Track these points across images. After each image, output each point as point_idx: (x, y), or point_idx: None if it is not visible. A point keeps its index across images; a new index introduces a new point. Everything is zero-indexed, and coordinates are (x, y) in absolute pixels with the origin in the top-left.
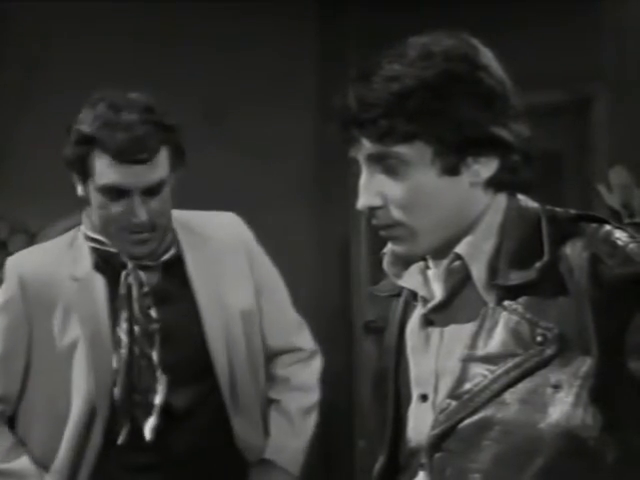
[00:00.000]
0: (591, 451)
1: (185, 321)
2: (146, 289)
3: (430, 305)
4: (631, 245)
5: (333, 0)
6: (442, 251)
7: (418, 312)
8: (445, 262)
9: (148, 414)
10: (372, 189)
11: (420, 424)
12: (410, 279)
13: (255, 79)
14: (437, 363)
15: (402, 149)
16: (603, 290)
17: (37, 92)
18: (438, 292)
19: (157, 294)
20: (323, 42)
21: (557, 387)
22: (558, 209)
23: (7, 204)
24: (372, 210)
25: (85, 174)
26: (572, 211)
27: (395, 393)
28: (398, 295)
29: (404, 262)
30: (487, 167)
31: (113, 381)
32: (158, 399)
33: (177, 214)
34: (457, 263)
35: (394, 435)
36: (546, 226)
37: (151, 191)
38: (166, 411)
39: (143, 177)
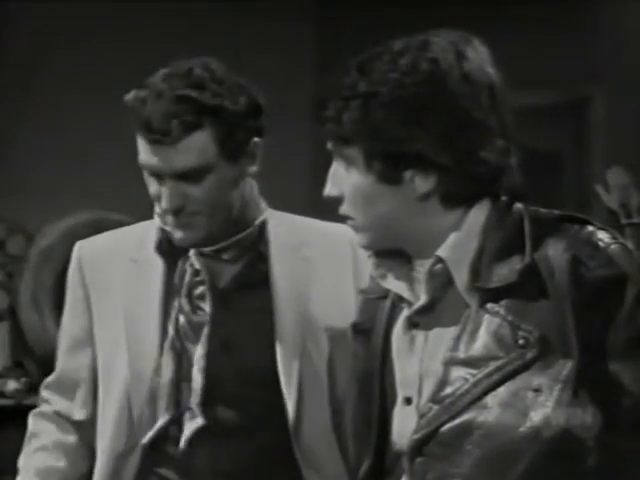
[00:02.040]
0: (574, 454)
1: (254, 324)
2: (201, 277)
3: (414, 308)
4: (613, 246)
5: (332, 0)
6: (415, 250)
7: (403, 314)
8: (427, 265)
9: (190, 417)
10: (334, 180)
11: (404, 427)
12: (395, 281)
13: (253, 79)
14: (421, 366)
15: (345, 150)
16: (584, 292)
17: (36, 93)
18: (422, 295)
19: (231, 287)
20: (322, 42)
21: (538, 391)
22: (542, 210)
23: (5, 204)
24: (332, 200)
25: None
26: (556, 212)
27: (381, 396)
28: (386, 297)
29: (390, 264)
30: (424, 182)
31: (153, 379)
32: (194, 400)
33: (280, 215)
34: (439, 266)
35: (379, 438)
36: (529, 227)
37: (185, 177)
38: (218, 422)
39: (171, 161)
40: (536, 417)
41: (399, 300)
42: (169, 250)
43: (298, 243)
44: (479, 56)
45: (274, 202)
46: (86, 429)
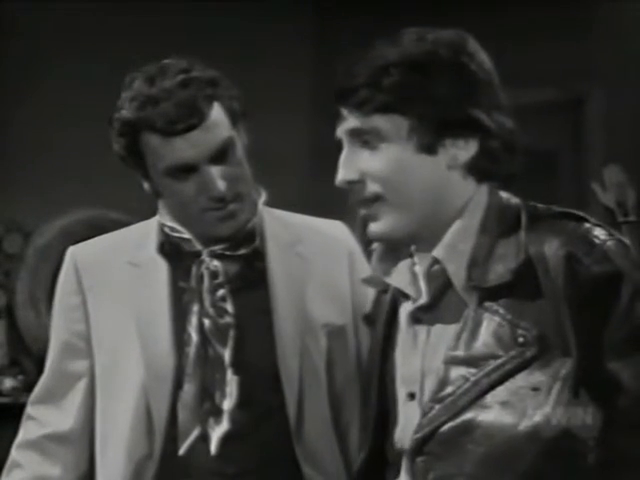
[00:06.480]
0: (574, 454)
1: (256, 323)
2: (220, 280)
3: (415, 305)
4: (609, 243)
5: (332, 2)
6: (423, 239)
7: (406, 309)
8: (426, 264)
9: (217, 421)
10: (351, 164)
11: (408, 423)
12: (398, 277)
13: (253, 81)
14: (423, 362)
15: (379, 121)
16: (579, 289)
17: (34, 92)
18: (424, 291)
19: (233, 287)
20: (322, 42)
21: (537, 389)
22: (540, 205)
23: (1, 203)
24: (350, 185)
25: (143, 165)
26: (553, 208)
27: (379, 390)
28: (386, 291)
29: (393, 259)
30: (465, 150)
31: (172, 385)
32: (227, 404)
33: (273, 211)
34: (437, 267)
35: (377, 432)
36: (525, 224)
37: (219, 156)
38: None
39: (203, 143)
40: (536, 416)
41: (401, 294)
42: (171, 252)
43: (293, 240)
44: (479, 49)
45: (271, 199)
46: (76, 439)
